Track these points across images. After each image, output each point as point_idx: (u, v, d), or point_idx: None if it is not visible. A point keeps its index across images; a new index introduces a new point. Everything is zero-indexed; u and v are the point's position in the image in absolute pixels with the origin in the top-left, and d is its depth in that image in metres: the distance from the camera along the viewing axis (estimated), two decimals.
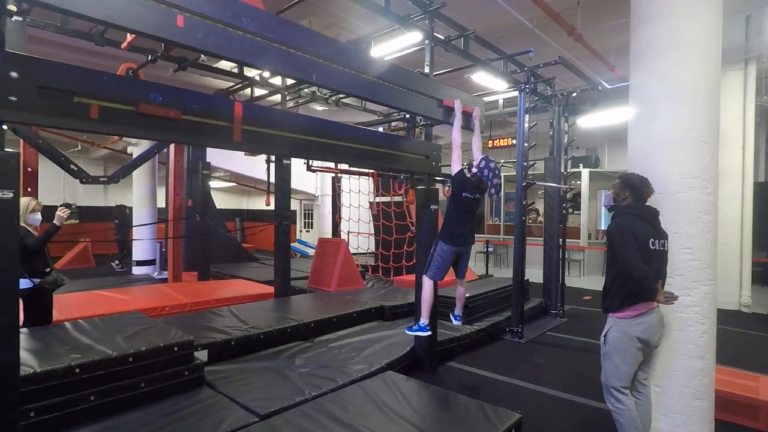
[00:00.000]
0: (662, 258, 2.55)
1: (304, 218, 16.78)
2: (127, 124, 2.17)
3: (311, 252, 11.43)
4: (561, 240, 6.69)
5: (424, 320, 3.69)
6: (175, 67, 4.97)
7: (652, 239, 2.50)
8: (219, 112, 2.50)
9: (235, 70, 5.88)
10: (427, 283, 3.69)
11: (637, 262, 2.37)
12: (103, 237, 13.06)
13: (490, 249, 11.64)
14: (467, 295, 5.49)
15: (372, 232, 10.19)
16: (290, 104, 7.09)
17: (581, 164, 10.89)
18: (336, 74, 2.66)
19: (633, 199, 2.62)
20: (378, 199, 9.49)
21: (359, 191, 9.70)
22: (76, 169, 5.84)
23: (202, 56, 4.58)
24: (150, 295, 5.76)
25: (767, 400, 3.27)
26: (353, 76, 2.77)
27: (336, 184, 9.93)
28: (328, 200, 11.80)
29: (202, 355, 3.74)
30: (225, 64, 6.53)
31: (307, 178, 12.39)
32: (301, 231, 16.75)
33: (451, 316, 4.05)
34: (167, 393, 3.13)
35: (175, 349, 3.22)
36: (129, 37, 3.57)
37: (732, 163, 7.06)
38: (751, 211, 7.21)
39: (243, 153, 9.06)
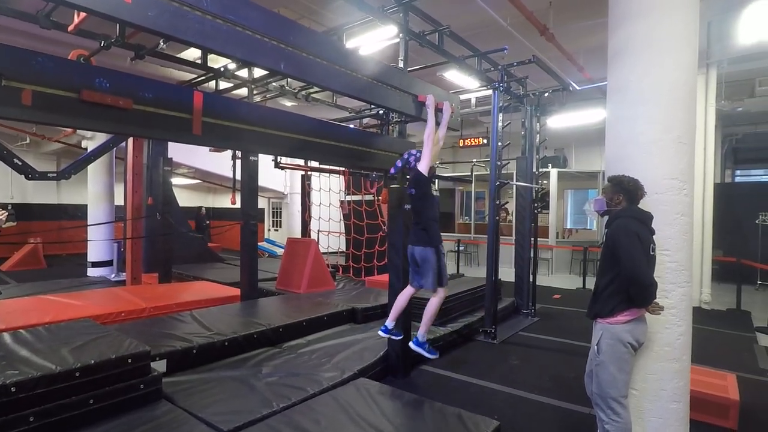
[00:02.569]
0: (654, 263, 2.50)
1: (273, 217, 16.37)
2: (68, 113, 1.92)
3: (280, 251, 11.12)
4: (533, 239, 6.71)
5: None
6: (132, 56, 4.61)
7: (652, 245, 2.45)
8: (176, 102, 2.26)
9: (199, 60, 5.55)
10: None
11: (645, 269, 2.32)
12: (55, 237, 12.27)
13: (461, 248, 11.65)
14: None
15: (342, 231, 10.00)
16: (257, 98, 6.81)
17: (550, 164, 11.03)
18: (307, 65, 2.47)
19: (627, 202, 2.55)
20: (349, 198, 9.30)
21: (329, 189, 9.49)
22: (20, 163, 5.41)
23: (162, 43, 4.27)
24: (104, 300, 5.37)
25: (736, 399, 3.32)
26: (325, 68, 2.58)
27: (306, 182, 9.67)
28: (298, 198, 11.52)
29: (160, 366, 3.48)
30: (188, 54, 6.20)
31: (275, 175, 12.06)
32: (269, 230, 16.33)
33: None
34: (120, 409, 2.87)
35: (129, 360, 2.96)
36: (76, 18, 3.25)
37: (694, 164, 7.28)
38: (711, 211, 7.46)
39: (208, 149, 8.70)
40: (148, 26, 1.80)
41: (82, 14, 3.26)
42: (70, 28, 3.42)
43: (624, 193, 2.55)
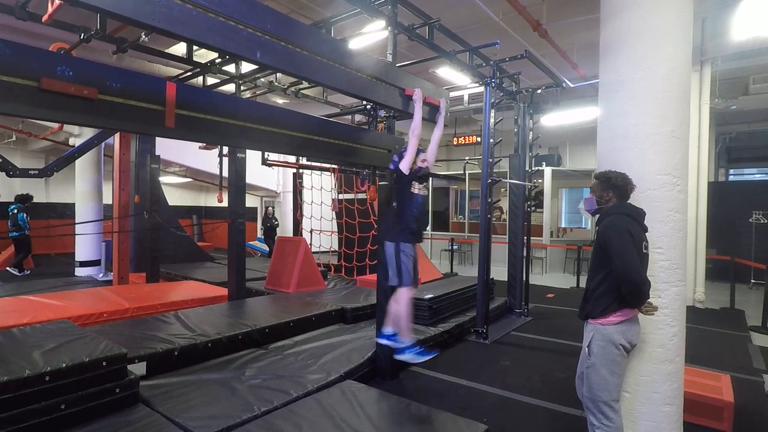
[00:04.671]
0: (647, 261, 2.42)
1: None
2: (26, 102, 1.80)
3: None
4: (525, 238, 6.63)
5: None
6: (114, 49, 4.49)
7: (645, 242, 2.37)
8: (147, 92, 2.15)
9: (186, 56, 5.42)
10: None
11: (637, 266, 2.22)
12: (44, 234, 12.07)
13: (454, 247, 11.57)
14: (431, 295, 5.32)
15: (335, 229, 9.89)
16: (246, 95, 6.69)
17: (544, 163, 10.97)
18: (285, 54, 2.36)
19: (618, 199, 2.47)
20: (341, 196, 9.19)
21: (321, 188, 9.37)
22: (1, 160, 5.26)
23: (143, 36, 4.14)
24: (87, 301, 5.23)
25: (730, 400, 3.24)
26: (305, 57, 2.48)
27: (297, 180, 9.54)
28: (290, 197, 11.37)
29: (138, 369, 3.36)
30: (176, 50, 6.07)
31: (268, 174, 11.93)
32: (262, 228, 16.18)
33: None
34: (95, 414, 2.76)
35: (104, 363, 2.84)
36: (50, 7, 3.12)
37: (688, 162, 7.22)
38: (705, 210, 7.41)
39: (198, 146, 8.56)
40: (109, 9, 1.69)
41: (56, 3, 3.14)
42: (44, 18, 3.29)
43: (613, 190, 2.47)
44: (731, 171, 12.55)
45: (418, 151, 3.21)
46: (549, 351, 5.07)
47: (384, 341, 3.28)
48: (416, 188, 3.19)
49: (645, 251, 2.35)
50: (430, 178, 11.77)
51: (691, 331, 5.66)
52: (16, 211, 9.07)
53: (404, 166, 3.12)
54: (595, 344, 2.38)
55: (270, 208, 10.17)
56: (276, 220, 10.43)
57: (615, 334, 2.33)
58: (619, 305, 2.33)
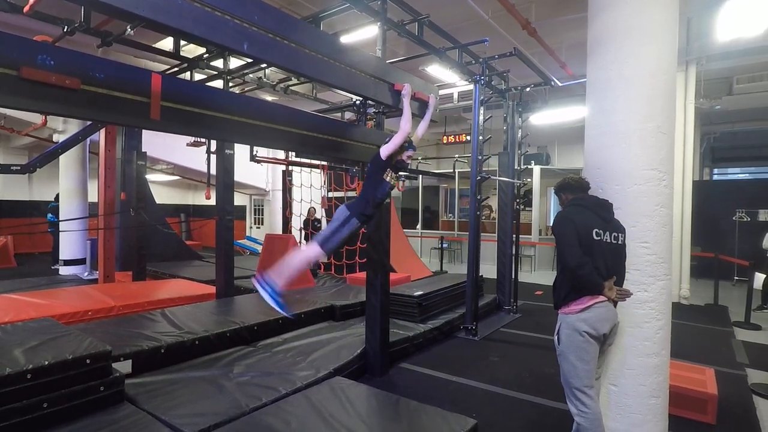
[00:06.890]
0: (614, 252, 2.43)
1: (255, 214, 16.12)
2: (6, 91, 1.76)
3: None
4: (514, 236, 6.67)
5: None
6: (98, 43, 4.41)
7: (596, 230, 2.39)
8: (131, 83, 2.11)
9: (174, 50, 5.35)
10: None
11: (571, 251, 2.30)
12: (25, 235, 11.84)
13: (444, 245, 11.60)
14: (420, 293, 5.32)
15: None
16: (235, 91, 6.62)
17: (533, 161, 11.06)
18: (272, 46, 2.34)
19: (572, 194, 2.61)
20: (330, 194, 9.16)
21: (311, 186, 9.33)
22: None
23: (129, 29, 4.08)
24: (71, 299, 5.14)
25: (714, 393, 3.29)
26: (294, 50, 2.45)
27: (286, 178, 9.48)
28: (280, 195, 11.30)
29: (124, 367, 3.31)
30: (161, 45, 5.98)
31: (257, 171, 11.85)
32: (251, 227, 16.08)
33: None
34: (78, 413, 2.70)
35: (88, 361, 2.78)
36: None
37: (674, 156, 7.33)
38: (690, 208, 7.52)
39: (185, 143, 8.48)
40: None
41: None
42: (26, 8, 3.22)
43: (564, 191, 2.63)
44: (715, 170, 12.75)
45: (408, 147, 3.15)
46: (537, 347, 5.11)
47: (259, 287, 2.86)
48: (388, 176, 3.10)
49: (597, 238, 2.37)
50: (420, 176, 11.80)
51: (676, 327, 5.72)
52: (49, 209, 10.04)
53: (384, 152, 3.00)
54: (562, 333, 2.44)
55: (313, 209, 9.87)
56: (319, 222, 10.10)
57: (577, 322, 2.37)
58: (577, 294, 2.37)
